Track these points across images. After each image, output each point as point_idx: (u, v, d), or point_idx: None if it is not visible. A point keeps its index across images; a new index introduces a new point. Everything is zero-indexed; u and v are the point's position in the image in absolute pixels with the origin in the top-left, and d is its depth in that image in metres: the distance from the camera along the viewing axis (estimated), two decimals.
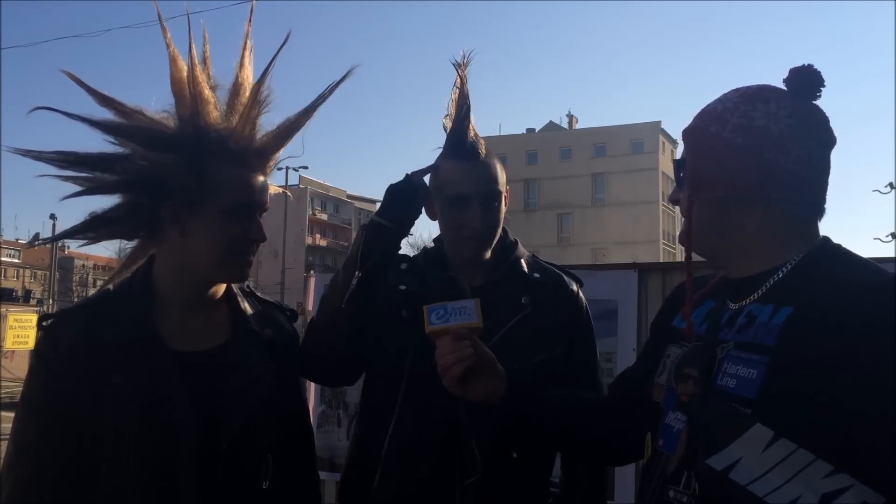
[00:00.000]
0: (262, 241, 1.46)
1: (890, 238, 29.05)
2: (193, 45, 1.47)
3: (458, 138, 1.69)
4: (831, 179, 1.20)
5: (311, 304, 4.70)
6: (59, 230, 1.49)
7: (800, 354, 1.03)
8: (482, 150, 1.70)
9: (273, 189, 1.53)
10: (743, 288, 1.20)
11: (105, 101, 1.42)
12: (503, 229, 1.80)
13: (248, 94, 1.46)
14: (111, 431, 1.31)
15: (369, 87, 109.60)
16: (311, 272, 4.93)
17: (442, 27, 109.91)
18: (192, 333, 1.43)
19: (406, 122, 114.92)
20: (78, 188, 1.41)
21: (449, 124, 1.74)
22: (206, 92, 1.43)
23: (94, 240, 1.46)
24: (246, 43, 1.50)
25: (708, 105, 1.26)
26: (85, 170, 1.41)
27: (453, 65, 1.72)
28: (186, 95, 1.43)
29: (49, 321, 1.40)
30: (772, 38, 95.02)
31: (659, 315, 1.44)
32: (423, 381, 1.58)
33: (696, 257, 1.29)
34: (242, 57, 1.48)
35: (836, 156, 1.21)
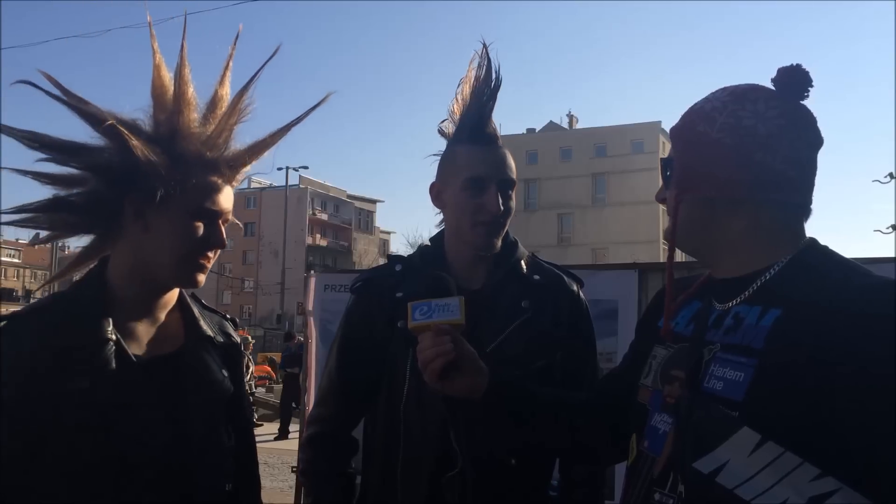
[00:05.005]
0: (221, 248, 1.44)
1: (890, 230, 28.61)
2: (185, 44, 1.45)
3: (480, 121, 1.67)
4: (830, 170, 1.22)
5: (311, 304, 4.70)
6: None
7: (788, 357, 1.02)
8: (499, 137, 1.69)
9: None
10: (729, 289, 1.18)
11: (79, 103, 1.38)
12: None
13: (225, 106, 1.47)
14: (67, 436, 1.26)
15: (369, 87, 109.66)
16: (311, 272, 4.91)
17: (442, 28, 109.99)
18: (148, 338, 1.41)
19: (406, 122, 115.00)
20: (47, 177, 1.38)
21: (458, 110, 1.71)
22: (190, 91, 1.42)
23: (53, 230, 1.41)
24: (228, 64, 1.50)
25: (695, 104, 1.24)
26: (56, 154, 1.37)
27: (481, 44, 1.68)
28: (168, 98, 1.41)
29: (1, 324, 1.33)
30: (772, 37, 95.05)
31: (644, 315, 1.43)
32: (423, 386, 1.59)
33: (690, 256, 1.29)
34: (223, 76, 1.49)
35: (835, 145, 1.20)
